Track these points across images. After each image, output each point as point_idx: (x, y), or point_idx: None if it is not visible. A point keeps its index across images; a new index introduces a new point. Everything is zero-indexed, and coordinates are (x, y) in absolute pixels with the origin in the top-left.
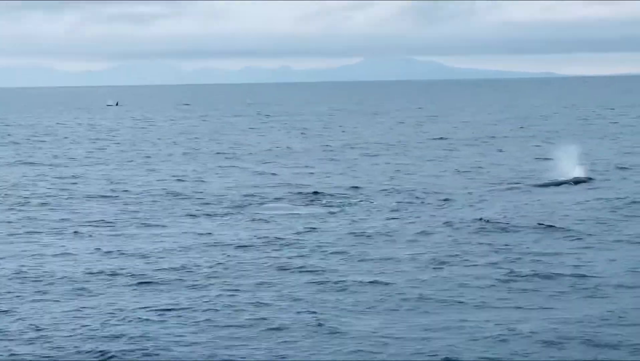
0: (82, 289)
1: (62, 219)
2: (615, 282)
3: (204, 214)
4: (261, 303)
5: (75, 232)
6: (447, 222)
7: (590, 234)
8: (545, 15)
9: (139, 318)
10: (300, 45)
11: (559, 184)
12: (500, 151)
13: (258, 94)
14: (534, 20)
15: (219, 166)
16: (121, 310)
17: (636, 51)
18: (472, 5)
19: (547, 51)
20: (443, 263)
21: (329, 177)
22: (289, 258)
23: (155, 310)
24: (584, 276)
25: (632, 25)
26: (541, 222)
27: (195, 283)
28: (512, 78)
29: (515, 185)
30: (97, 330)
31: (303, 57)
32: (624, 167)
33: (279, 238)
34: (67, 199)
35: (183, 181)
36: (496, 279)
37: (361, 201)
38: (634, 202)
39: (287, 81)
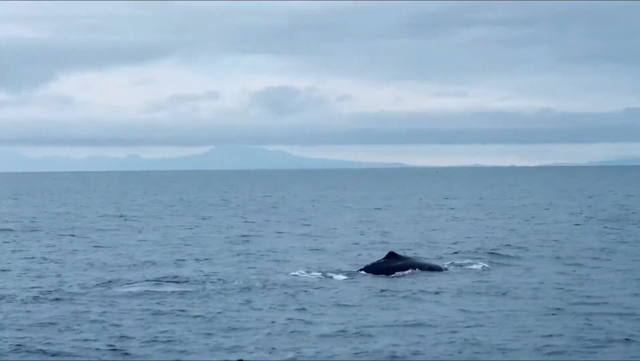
0: None
1: None
2: None
3: None
4: None
5: None
6: None
7: None
8: (395, 107)
9: None
10: (148, 134)
11: None
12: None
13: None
14: (383, 111)
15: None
16: None
17: (482, 143)
18: (322, 97)
19: (397, 142)
20: None
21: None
22: None
23: None
24: None
25: (476, 118)
26: None
27: None
28: (361, 168)
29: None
30: None
31: (151, 146)
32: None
33: None
34: None
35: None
36: None
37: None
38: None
39: (135, 169)
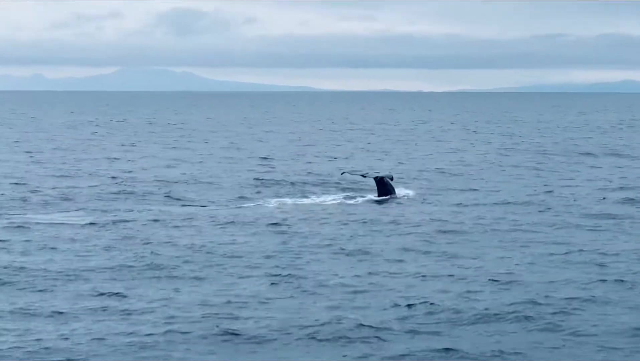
0: None
1: None
2: None
3: None
4: None
5: None
6: None
7: None
8: (301, 30)
9: None
10: (52, 53)
11: None
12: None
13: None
14: (290, 34)
15: None
16: None
17: (389, 67)
18: (229, 19)
19: (303, 65)
20: None
21: None
22: None
23: None
24: None
25: (385, 42)
26: None
27: None
28: (268, 91)
29: None
30: None
31: (56, 66)
32: None
33: None
34: None
35: None
36: None
37: None
38: None
39: (40, 89)
